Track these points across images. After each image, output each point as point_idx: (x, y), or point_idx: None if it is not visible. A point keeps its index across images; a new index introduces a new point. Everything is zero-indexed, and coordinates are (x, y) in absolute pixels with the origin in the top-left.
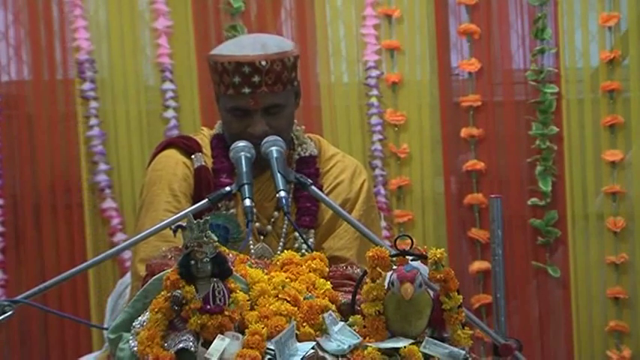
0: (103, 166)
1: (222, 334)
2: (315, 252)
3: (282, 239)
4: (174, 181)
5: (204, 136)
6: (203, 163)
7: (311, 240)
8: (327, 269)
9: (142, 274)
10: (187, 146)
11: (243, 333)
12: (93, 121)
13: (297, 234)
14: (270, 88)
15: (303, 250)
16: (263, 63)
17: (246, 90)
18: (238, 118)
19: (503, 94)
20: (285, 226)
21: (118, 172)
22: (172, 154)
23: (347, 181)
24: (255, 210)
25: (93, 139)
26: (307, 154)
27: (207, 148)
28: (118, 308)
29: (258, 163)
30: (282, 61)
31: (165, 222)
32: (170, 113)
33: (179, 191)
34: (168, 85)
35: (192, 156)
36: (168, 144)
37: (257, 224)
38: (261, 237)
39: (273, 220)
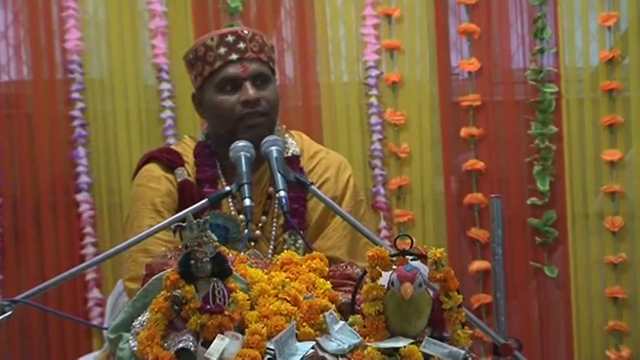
0: (81, 169)
1: (222, 333)
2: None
3: (271, 243)
4: (157, 197)
5: (186, 145)
6: (186, 177)
7: (300, 241)
8: (327, 269)
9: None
10: (169, 160)
11: (243, 333)
12: (76, 122)
13: (285, 236)
14: (257, 54)
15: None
16: (245, 31)
17: (234, 56)
18: (228, 93)
19: (502, 94)
20: (274, 229)
21: (117, 172)
22: (154, 169)
23: (332, 179)
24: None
25: (75, 141)
26: (290, 153)
27: (189, 157)
28: (117, 308)
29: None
30: (262, 37)
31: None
32: (166, 113)
33: (162, 207)
34: (164, 85)
35: (175, 170)
36: (150, 158)
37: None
38: (252, 243)
39: (261, 224)
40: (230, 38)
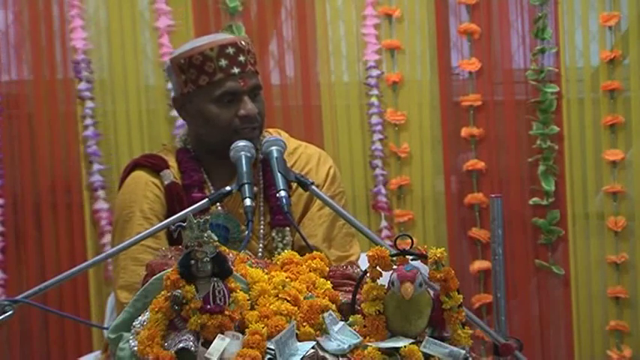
0: (97, 167)
1: (223, 333)
2: (292, 250)
3: (261, 241)
4: (145, 204)
5: (168, 152)
6: (173, 179)
7: (287, 238)
8: (328, 269)
9: (123, 300)
10: (154, 164)
11: (243, 332)
12: (88, 121)
13: (273, 234)
14: (253, 67)
15: (279, 249)
16: (243, 43)
17: (236, 70)
18: (226, 106)
19: (503, 94)
20: (261, 227)
21: (118, 173)
22: (140, 176)
23: (313, 171)
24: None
25: (88, 139)
26: None
27: (173, 163)
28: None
29: (229, 169)
30: (249, 43)
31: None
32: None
33: (151, 214)
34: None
35: (161, 173)
36: (135, 165)
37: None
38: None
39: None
40: (230, 50)
